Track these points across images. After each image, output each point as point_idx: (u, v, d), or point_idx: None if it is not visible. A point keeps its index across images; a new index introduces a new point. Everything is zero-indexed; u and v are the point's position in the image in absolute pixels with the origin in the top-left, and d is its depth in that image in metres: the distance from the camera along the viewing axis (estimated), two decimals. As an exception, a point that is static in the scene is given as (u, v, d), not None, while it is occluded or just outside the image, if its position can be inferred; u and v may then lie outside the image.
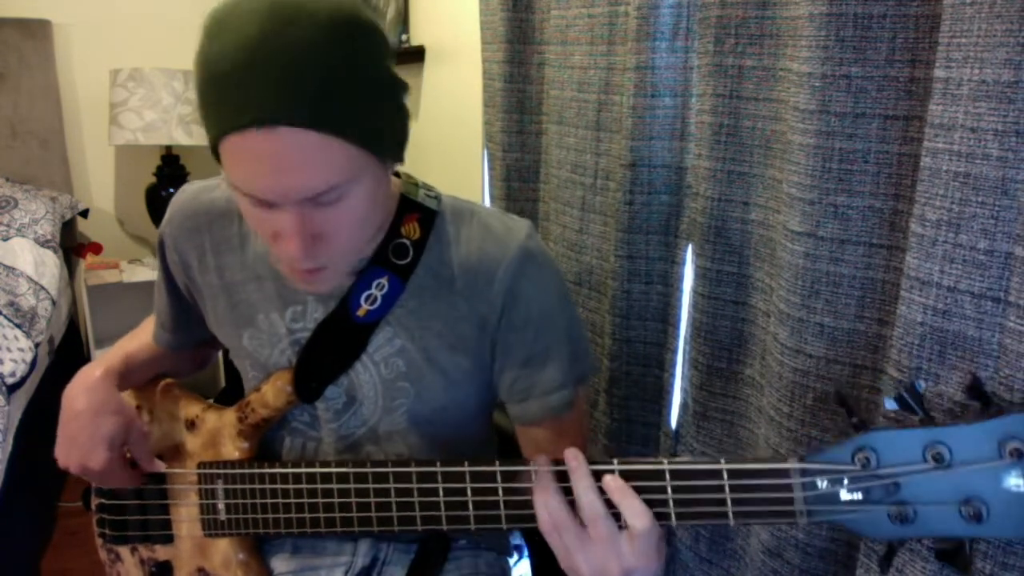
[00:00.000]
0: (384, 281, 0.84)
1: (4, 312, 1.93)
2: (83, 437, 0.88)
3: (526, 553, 1.10)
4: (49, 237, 2.41)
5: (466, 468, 0.74)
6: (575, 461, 0.68)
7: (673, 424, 1.17)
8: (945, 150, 0.66)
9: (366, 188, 0.72)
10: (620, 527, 0.66)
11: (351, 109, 0.67)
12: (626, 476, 0.67)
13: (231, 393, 1.04)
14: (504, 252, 0.84)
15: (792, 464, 0.63)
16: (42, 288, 2.18)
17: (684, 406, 1.12)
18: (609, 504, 0.67)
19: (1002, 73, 0.61)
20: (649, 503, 0.66)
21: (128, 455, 0.92)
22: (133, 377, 0.99)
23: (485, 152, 1.50)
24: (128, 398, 1.03)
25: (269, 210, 0.70)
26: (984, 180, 0.64)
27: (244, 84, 0.64)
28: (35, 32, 2.66)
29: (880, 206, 0.80)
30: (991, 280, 0.65)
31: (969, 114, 0.64)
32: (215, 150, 0.70)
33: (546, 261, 0.88)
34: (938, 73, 0.66)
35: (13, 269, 2.15)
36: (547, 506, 0.68)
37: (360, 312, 0.85)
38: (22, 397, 1.85)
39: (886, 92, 0.77)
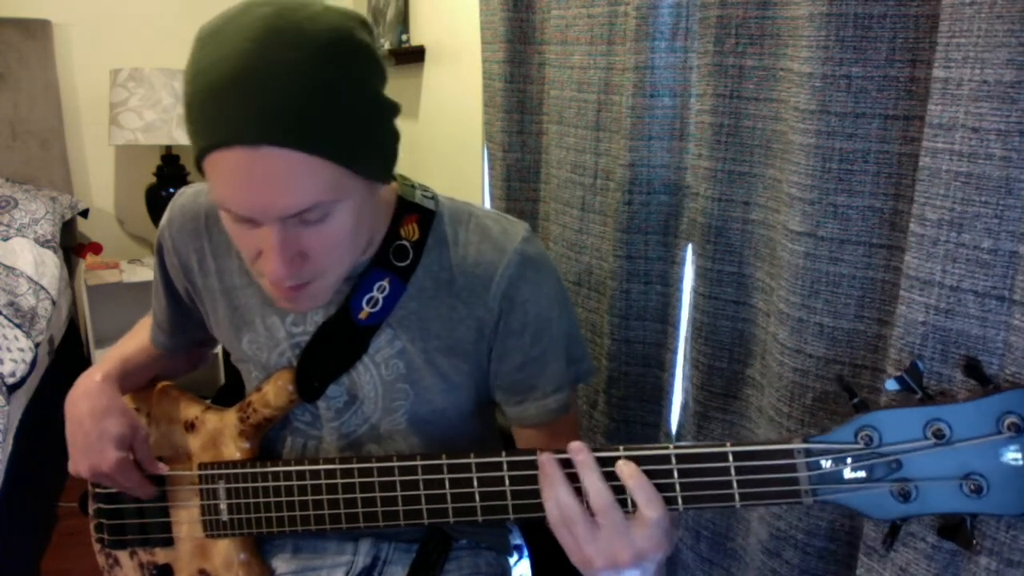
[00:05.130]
0: (385, 283, 0.84)
1: (4, 312, 1.93)
2: (91, 441, 0.88)
3: (526, 553, 1.10)
4: (49, 237, 2.42)
5: (472, 460, 0.75)
6: (581, 454, 0.69)
7: (673, 424, 1.17)
8: (945, 150, 0.66)
9: (351, 208, 0.72)
10: (627, 512, 0.67)
11: (336, 130, 0.67)
12: (632, 462, 0.68)
13: (230, 392, 1.04)
14: (501, 256, 0.84)
15: (796, 444, 0.64)
16: (42, 288, 2.18)
17: (684, 406, 1.12)
18: (617, 491, 0.68)
19: (1004, 73, 0.61)
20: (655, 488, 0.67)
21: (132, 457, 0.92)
22: (132, 380, 0.99)
23: (485, 152, 1.50)
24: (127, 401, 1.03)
25: (252, 227, 0.70)
26: (987, 180, 0.64)
27: (229, 101, 0.64)
28: (35, 32, 2.66)
29: (880, 206, 0.80)
30: (995, 279, 0.65)
31: (970, 114, 0.64)
32: (199, 165, 0.70)
33: (543, 264, 0.87)
34: (937, 73, 0.66)
35: (13, 269, 2.15)
36: (556, 499, 0.69)
37: (362, 315, 0.85)
38: (22, 397, 1.86)
39: (886, 92, 0.77)
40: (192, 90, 0.67)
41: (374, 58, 0.71)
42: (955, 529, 0.62)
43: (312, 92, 0.64)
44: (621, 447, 0.69)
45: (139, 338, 1.04)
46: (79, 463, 0.90)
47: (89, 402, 0.90)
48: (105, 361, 0.96)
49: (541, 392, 0.87)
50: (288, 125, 0.64)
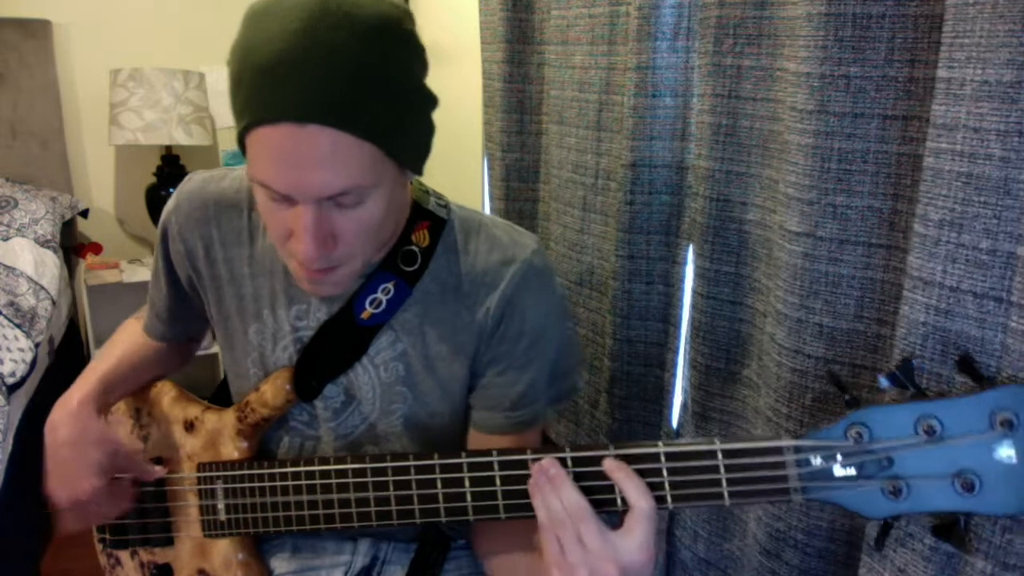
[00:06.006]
0: (391, 286, 0.84)
1: (4, 312, 1.93)
2: (70, 468, 0.87)
3: (526, 553, 1.10)
4: (49, 237, 2.41)
5: (464, 459, 0.75)
6: (553, 469, 0.69)
7: (674, 424, 1.17)
8: (948, 150, 0.66)
9: (384, 195, 0.73)
10: (614, 511, 0.67)
11: (384, 115, 0.68)
12: (622, 460, 0.68)
13: (227, 392, 1.04)
14: (509, 264, 0.84)
15: (786, 442, 0.64)
16: (42, 288, 2.18)
17: (684, 406, 1.12)
18: (598, 504, 0.68)
19: (1005, 73, 0.61)
20: None
21: (115, 477, 0.91)
22: (116, 393, 0.98)
23: (485, 152, 1.50)
24: (126, 403, 1.03)
25: (287, 206, 0.71)
26: (987, 180, 0.64)
27: (281, 77, 0.64)
28: (35, 32, 2.65)
29: (879, 206, 0.80)
30: (993, 280, 0.65)
31: (972, 114, 0.64)
32: (242, 139, 0.70)
33: (549, 278, 0.88)
34: (941, 73, 0.66)
35: (13, 269, 2.15)
36: (545, 505, 0.69)
37: (364, 315, 0.85)
38: (22, 397, 1.85)
39: (885, 92, 0.77)
40: (241, 66, 0.67)
41: (420, 47, 0.72)
42: (949, 529, 0.62)
43: (362, 75, 0.65)
44: (611, 446, 0.69)
45: (122, 347, 1.02)
46: (57, 490, 0.88)
47: (66, 430, 0.89)
48: (83, 381, 0.94)
49: (512, 403, 0.87)
50: (337, 105, 0.65)
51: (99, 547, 1.06)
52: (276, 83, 0.65)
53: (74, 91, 2.79)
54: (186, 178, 0.92)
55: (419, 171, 0.78)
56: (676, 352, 1.15)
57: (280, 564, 0.96)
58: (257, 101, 0.66)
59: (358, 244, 0.74)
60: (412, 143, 0.74)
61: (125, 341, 1.03)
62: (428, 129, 0.77)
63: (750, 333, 1.00)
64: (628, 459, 0.68)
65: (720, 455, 0.66)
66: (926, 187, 0.68)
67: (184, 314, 0.99)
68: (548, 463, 0.70)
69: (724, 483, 0.65)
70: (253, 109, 0.66)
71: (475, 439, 0.90)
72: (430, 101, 0.75)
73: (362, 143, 0.67)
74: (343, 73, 0.65)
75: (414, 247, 0.85)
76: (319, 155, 0.66)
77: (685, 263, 1.11)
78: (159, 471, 0.93)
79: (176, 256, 0.92)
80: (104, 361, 1.00)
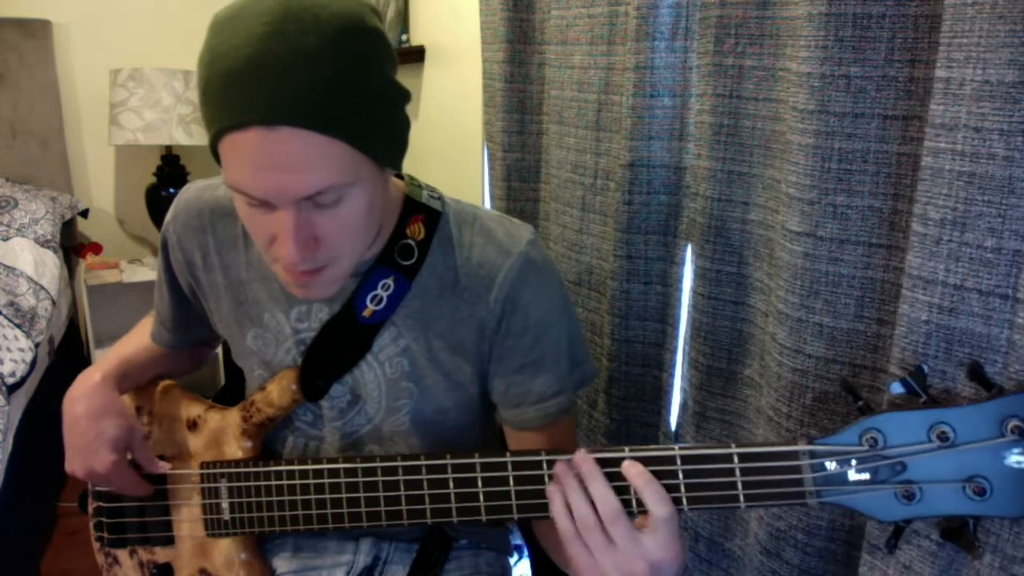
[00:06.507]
0: (390, 281, 0.84)
1: (4, 312, 1.93)
2: (86, 441, 0.88)
3: (526, 553, 1.10)
4: (49, 237, 2.41)
5: (476, 460, 0.75)
6: (586, 464, 0.69)
7: (672, 424, 1.17)
8: (948, 150, 0.66)
9: (364, 193, 0.72)
10: (631, 512, 0.68)
11: (352, 113, 0.67)
12: (638, 462, 0.68)
13: (231, 392, 1.04)
14: (505, 258, 0.84)
15: (801, 447, 0.65)
16: (42, 288, 2.18)
17: (683, 406, 1.12)
18: (620, 491, 0.68)
19: (1006, 74, 0.62)
20: None
21: (130, 457, 0.92)
22: (131, 380, 0.98)
23: (485, 152, 1.50)
24: (128, 400, 1.03)
25: (266, 211, 0.71)
26: (990, 179, 0.64)
27: (248, 82, 0.64)
28: (35, 32, 2.66)
29: (879, 206, 0.80)
30: (999, 277, 0.65)
31: (972, 114, 0.64)
32: (214, 148, 0.70)
33: (547, 268, 0.88)
34: (939, 73, 0.66)
35: (13, 269, 2.15)
36: (571, 507, 0.69)
37: (366, 313, 0.85)
38: (22, 397, 1.85)
39: (885, 92, 0.77)
40: (208, 74, 0.67)
41: (385, 43, 0.72)
42: (958, 532, 0.63)
43: (329, 75, 0.65)
44: (626, 448, 0.69)
45: (140, 338, 1.04)
46: (74, 463, 0.90)
47: (86, 402, 0.89)
48: (105, 360, 0.96)
49: (539, 396, 0.87)
50: (305, 107, 0.65)
51: (96, 545, 1.05)
52: (244, 88, 0.64)
53: (74, 91, 2.80)
54: (184, 187, 0.93)
55: (397, 167, 0.78)
56: (674, 352, 1.15)
57: (282, 564, 0.96)
58: (226, 107, 0.66)
59: (341, 244, 0.74)
60: (386, 139, 0.73)
61: (146, 334, 1.04)
62: (402, 124, 0.76)
63: (752, 333, 1.00)
64: (644, 461, 0.68)
65: (736, 459, 0.66)
66: (924, 187, 0.69)
67: (189, 322, 1.00)
68: (581, 457, 0.69)
69: (740, 486, 0.66)
70: (223, 116, 0.66)
71: (512, 438, 0.91)
72: (401, 95, 0.75)
73: (333, 142, 0.67)
74: (310, 74, 0.64)
75: (410, 240, 0.85)
76: (291, 157, 0.66)
77: (683, 263, 1.11)
78: (164, 466, 0.94)
79: (177, 265, 0.93)
80: (125, 346, 1.01)
